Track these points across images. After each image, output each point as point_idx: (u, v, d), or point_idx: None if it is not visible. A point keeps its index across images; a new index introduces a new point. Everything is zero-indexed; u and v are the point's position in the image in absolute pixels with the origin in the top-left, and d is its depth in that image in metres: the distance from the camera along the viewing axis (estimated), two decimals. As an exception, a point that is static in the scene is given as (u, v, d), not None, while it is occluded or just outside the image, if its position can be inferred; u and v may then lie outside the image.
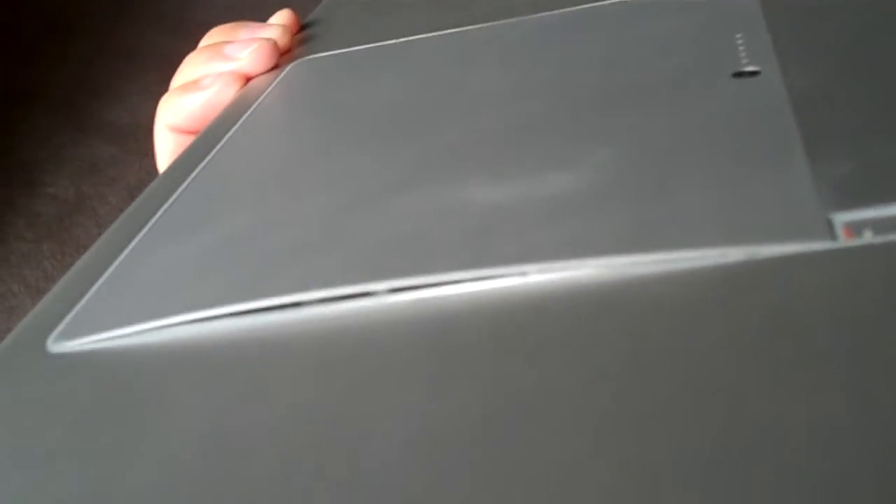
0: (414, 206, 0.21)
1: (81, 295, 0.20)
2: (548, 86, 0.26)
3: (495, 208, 0.20)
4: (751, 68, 0.23)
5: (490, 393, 0.14)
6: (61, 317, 0.20)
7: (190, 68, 0.35)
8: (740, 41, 0.25)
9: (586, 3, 0.32)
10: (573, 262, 0.17)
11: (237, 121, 0.30)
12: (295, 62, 0.35)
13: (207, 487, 0.14)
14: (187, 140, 0.32)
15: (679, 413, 0.13)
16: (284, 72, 0.34)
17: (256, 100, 0.31)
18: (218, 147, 0.28)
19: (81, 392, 0.17)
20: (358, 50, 0.34)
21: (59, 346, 0.19)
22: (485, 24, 0.33)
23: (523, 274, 0.17)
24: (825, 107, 0.20)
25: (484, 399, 0.14)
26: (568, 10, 0.32)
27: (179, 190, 0.25)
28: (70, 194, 1.33)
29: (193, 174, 0.26)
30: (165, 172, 0.28)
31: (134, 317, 0.19)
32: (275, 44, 0.34)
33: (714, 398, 0.13)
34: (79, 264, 0.22)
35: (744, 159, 0.19)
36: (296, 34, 0.38)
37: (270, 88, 0.32)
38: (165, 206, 0.25)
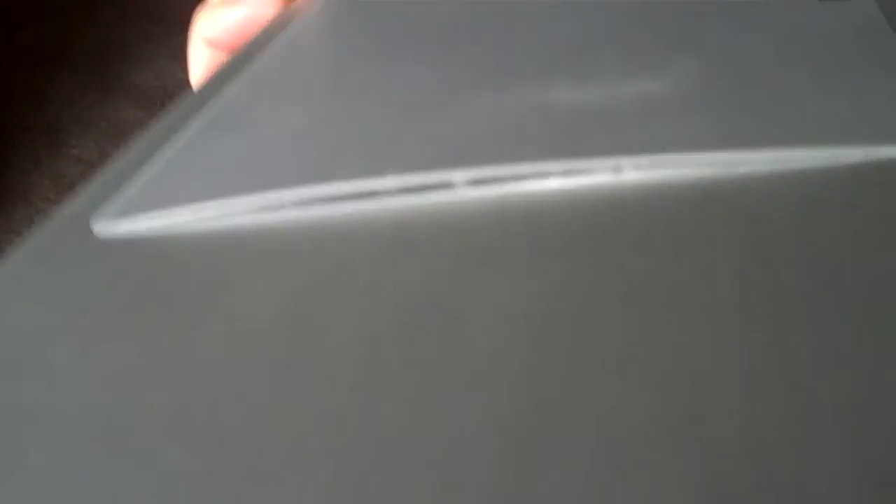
0: (491, 105, 0.20)
1: (130, 176, 0.19)
2: (624, 5, 0.25)
3: (581, 107, 0.18)
4: None
5: (593, 279, 0.13)
6: (107, 197, 0.18)
7: None
8: None
9: None
10: (673, 157, 0.16)
11: (284, 31, 0.29)
12: None
13: (286, 363, 0.13)
14: (224, 56, 0.31)
15: (810, 305, 0.12)
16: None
17: (304, 12, 0.30)
18: (267, 52, 0.27)
19: (134, 273, 0.16)
20: None
21: (108, 225, 0.17)
22: None
23: (618, 169, 0.16)
24: None
25: (586, 284, 0.13)
26: None
27: (228, 88, 0.24)
28: (94, 156, 1.33)
29: (239, 78, 0.25)
30: (214, 72, 0.26)
31: (189, 196, 0.17)
32: None
33: (848, 294, 0.12)
34: (128, 147, 0.21)
35: (850, 66, 0.18)
36: None
37: (319, 3, 0.31)
38: (217, 97, 0.23)
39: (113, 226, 0.17)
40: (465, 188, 0.16)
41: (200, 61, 0.33)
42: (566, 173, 0.16)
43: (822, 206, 0.14)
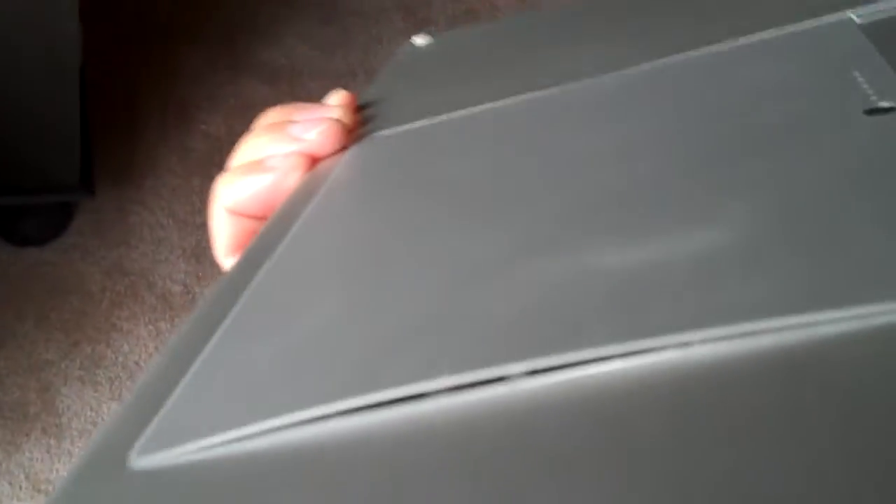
0: (536, 277, 0.18)
1: (162, 402, 0.18)
2: (657, 141, 0.24)
3: (634, 273, 0.17)
4: (884, 104, 0.21)
5: (679, 485, 0.12)
6: (142, 428, 0.18)
7: (251, 149, 0.32)
8: (860, 78, 0.23)
9: (664, 57, 0.29)
10: (747, 326, 0.14)
11: (310, 203, 0.28)
12: (363, 139, 0.33)
13: None
14: (249, 224, 0.31)
15: None
16: (353, 150, 0.32)
17: (328, 180, 0.29)
18: (294, 231, 0.26)
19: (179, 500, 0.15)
20: (429, 123, 0.32)
21: (143, 460, 0.17)
22: (562, 86, 0.30)
23: (685, 345, 0.14)
24: None
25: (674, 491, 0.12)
26: (652, 63, 0.29)
27: (257, 279, 0.23)
28: (222, 132, 1.35)
29: (270, 262, 0.24)
30: (238, 263, 0.26)
31: (224, 422, 0.17)
32: (342, 123, 0.32)
33: None
34: (156, 367, 0.20)
35: None
36: (355, 113, 0.36)
37: (342, 167, 0.30)
38: (245, 297, 0.22)
39: (148, 458, 0.17)
40: (522, 380, 0.15)
41: (225, 232, 0.32)
42: (629, 354, 0.15)
43: None
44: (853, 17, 0.27)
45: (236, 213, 0.32)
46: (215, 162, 1.30)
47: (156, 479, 0.16)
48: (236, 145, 0.33)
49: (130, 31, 1.45)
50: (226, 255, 0.32)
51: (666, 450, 0.13)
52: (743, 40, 0.29)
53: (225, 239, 0.32)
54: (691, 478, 0.12)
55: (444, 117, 0.32)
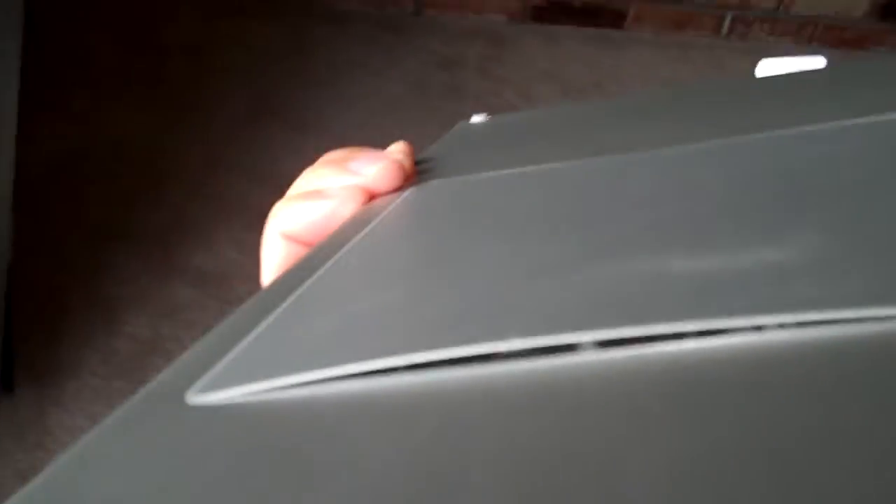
0: (608, 273, 0.18)
1: (226, 351, 0.18)
2: (720, 192, 0.23)
3: (706, 273, 0.17)
4: None
5: (748, 436, 0.11)
6: (203, 371, 0.17)
7: (311, 179, 0.33)
8: None
9: (725, 137, 0.29)
10: (826, 314, 0.14)
11: (367, 225, 0.27)
12: (421, 182, 0.33)
13: None
14: (301, 251, 0.31)
15: None
16: (411, 189, 0.32)
17: (386, 210, 0.29)
18: (354, 240, 0.26)
19: (226, 445, 0.15)
20: (490, 175, 0.32)
21: (201, 397, 0.16)
22: (623, 155, 0.30)
23: (760, 329, 0.14)
24: None
25: (745, 440, 0.11)
26: (715, 141, 0.29)
27: (321, 271, 0.23)
28: (147, 335, 1.36)
29: (333, 260, 0.24)
30: (303, 258, 0.26)
31: (289, 368, 0.16)
32: (401, 164, 0.32)
33: None
34: (219, 328, 0.20)
35: None
36: (414, 164, 0.36)
37: (398, 202, 0.30)
38: (310, 281, 0.22)
39: (207, 396, 0.16)
40: (592, 351, 0.15)
41: (276, 255, 0.32)
42: (703, 334, 0.14)
43: None
44: None
45: (290, 238, 0.31)
46: (139, 365, 1.32)
47: (212, 414, 0.16)
48: (298, 178, 0.33)
49: (61, 229, 1.48)
50: None
51: (736, 425, 0.12)
52: (807, 128, 0.28)
53: (276, 264, 0.32)
54: (762, 454, 0.11)
55: (503, 171, 0.31)
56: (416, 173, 0.35)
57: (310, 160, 0.34)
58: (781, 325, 0.14)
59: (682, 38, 2.11)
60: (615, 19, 2.11)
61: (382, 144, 0.35)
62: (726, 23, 2.18)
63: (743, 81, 0.45)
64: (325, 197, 0.31)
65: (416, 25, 1.94)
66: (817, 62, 0.47)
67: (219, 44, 1.83)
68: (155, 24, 1.86)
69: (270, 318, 0.20)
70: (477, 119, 0.50)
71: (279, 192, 0.33)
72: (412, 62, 1.84)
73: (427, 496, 0.12)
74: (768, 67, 0.49)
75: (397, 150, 0.35)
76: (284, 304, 0.21)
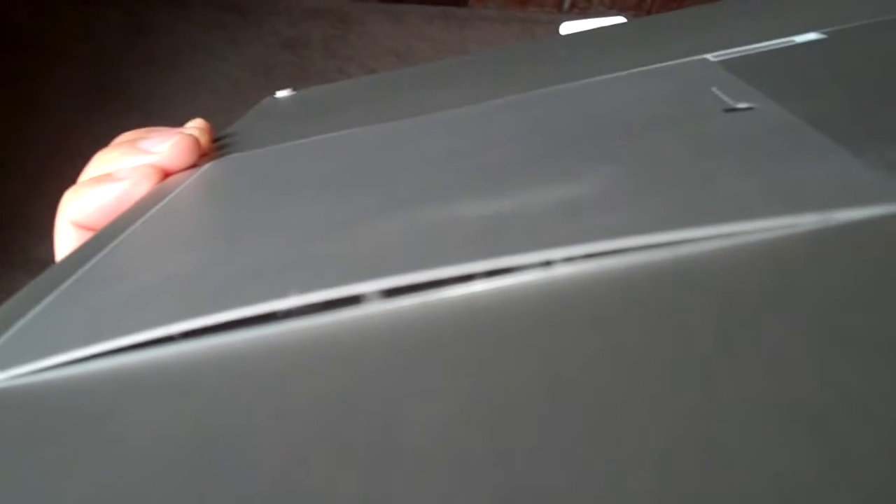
0: (395, 225, 0.18)
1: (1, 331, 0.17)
2: (519, 137, 0.23)
3: (494, 216, 0.17)
4: (742, 105, 0.21)
5: (546, 364, 0.12)
6: None
7: (101, 163, 0.31)
8: (718, 91, 0.23)
9: (523, 92, 0.30)
10: (612, 244, 0.14)
11: (161, 201, 0.26)
12: (217, 157, 0.32)
13: (189, 485, 0.11)
14: None
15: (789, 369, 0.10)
16: (206, 166, 0.31)
17: (178, 187, 0.28)
18: (145, 217, 0.25)
19: (7, 421, 0.14)
20: (287, 145, 0.31)
21: None
22: (422, 116, 0.30)
23: (547, 264, 0.14)
24: (839, 122, 0.18)
25: (542, 368, 0.12)
26: (514, 96, 0.29)
27: (110, 247, 0.22)
28: (-9, 329, 1.34)
29: (123, 236, 0.23)
30: (86, 242, 0.24)
31: (63, 347, 0.15)
32: (195, 139, 0.31)
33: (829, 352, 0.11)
34: None
35: (779, 152, 0.17)
36: (212, 140, 0.35)
37: (193, 177, 0.29)
38: (97, 258, 0.21)
39: None
40: (376, 302, 0.14)
41: (68, 245, 0.30)
42: (491, 274, 0.14)
43: (784, 275, 0.13)
44: (708, 57, 0.28)
45: (82, 226, 0.30)
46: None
47: None
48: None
49: None
50: None
51: (520, 359, 0.12)
52: (603, 77, 0.29)
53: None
54: (557, 385, 0.11)
55: (300, 141, 0.31)
56: (216, 149, 0.34)
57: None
58: (569, 259, 0.14)
59: (525, 14, 2.18)
60: (458, -3, 2.15)
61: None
62: (567, -2, 2.26)
63: (545, 42, 0.46)
64: (115, 179, 0.30)
65: (259, 7, 1.94)
66: (618, 20, 0.48)
67: (55, 31, 1.79)
68: (-14, 12, 1.81)
69: (49, 298, 0.19)
70: (282, 94, 0.49)
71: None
72: (257, 44, 1.84)
73: (200, 463, 0.11)
74: (571, 27, 0.51)
75: (192, 125, 0.34)
76: (66, 283, 0.20)
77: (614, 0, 2.29)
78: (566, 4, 2.26)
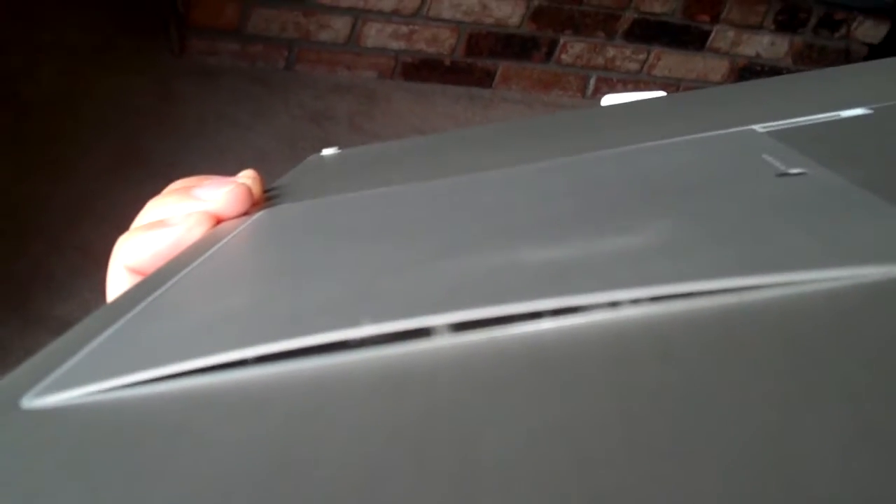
0: (459, 266, 0.18)
1: (64, 360, 0.18)
2: (573, 198, 0.24)
3: (559, 261, 0.17)
4: (794, 171, 0.22)
5: (618, 391, 0.12)
6: (40, 377, 0.17)
7: (155, 210, 0.32)
8: (769, 158, 0.24)
9: (586, 152, 0.31)
10: (681, 287, 0.14)
11: (216, 245, 0.27)
12: (269, 206, 0.33)
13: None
14: None
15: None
16: (259, 213, 0.32)
17: (231, 233, 0.29)
18: (204, 257, 0.26)
19: (60, 443, 0.14)
20: (339, 197, 0.32)
21: (35, 401, 0.16)
22: (478, 173, 0.31)
23: (614, 305, 0.15)
24: (890, 187, 0.19)
25: (612, 397, 0.12)
26: (567, 158, 0.30)
27: (171, 282, 0.23)
28: (7, 386, 1.35)
29: (181, 274, 0.24)
30: (143, 280, 0.25)
31: (129, 368, 0.16)
32: (249, 188, 0.32)
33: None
34: (58, 341, 0.20)
35: (836, 212, 0.18)
36: (263, 191, 0.36)
37: (246, 224, 0.30)
38: (158, 292, 0.22)
39: (43, 399, 0.16)
40: (446, 335, 0.15)
41: (121, 290, 0.29)
42: (558, 314, 0.14)
43: (855, 317, 0.13)
44: (755, 128, 0.28)
45: (136, 271, 0.30)
46: None
47: (45, 416, 0.15)
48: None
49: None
50: None
51: (591, 394, 0.12)
52: (651, 143, 0.29)
53: None
54: (627, 428, 0.11)
55: (352, 193, 0.32)
56: (265, 199, 0.35)
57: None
58: (635, 301, 0.14)
59: (549, 98, 2.24)
60: (483, 78, 2.22)
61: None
62: (591, 83, 2.32)
63: (589, 111, 0.48)
64: (170, 225, 0.30)
65: (287, 80, 2.00)
66: (659, 94, 0.49)
67: (82, 98, 1.84)
68: (13, 78, 1.87)
69: (113, 327, 0.19)
70: (328, 151, 0.50)
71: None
72: (283, 116, 1.89)
73: (274, 483, 0.11)
74: (613, 99, 0.51)
75: (245, 175, 0.35)
76: (128, 315, 0.20)
77: (637, 87, 2.35)
78: (589, 89, 2.32)
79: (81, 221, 1.61)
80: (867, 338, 0.12)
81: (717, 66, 2.42)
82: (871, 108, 0.29)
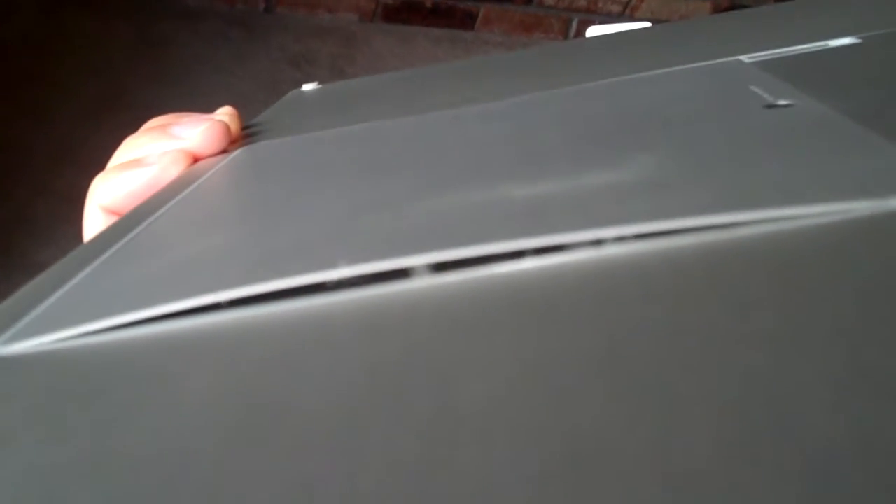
0: (441, 203, 0.18)
1: (34, 304, 0.18)
2: (560, 125, 0.24)
3: (543, 196, 0.17)
4: (782, 102, 0.22)
5: (601, 327, 0.12)
6: (12, 322, 0.17)
7: (131, 148, 0.31)
8: (757, 89, 0.24)
9: (572, 85, 0.30)
10: (666, 223, 0.14)
11: (189, 186, 0.27)
12: (247, 143, 0.32)
13: (239, 448, 0.11)
14: None
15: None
16: (236, 152, 0.31)
17: (209, 171, 0.28)
18: (180, 196, 0.25)
19: (29, 390, 0.14)
20: (318, 134, 0.32)
21: (7, 348, 0.16)
22: (462, 106, 0.30)
23: (598, 243, 0.14)
24: (879, 119, 0.19)
25: (596, 333, 0.12)
26: (553, 91, 0.30)
27: (145, 223, 0.23)
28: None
29: (158, 213, 0.23)
30: (118, 220, 0.24)
31: (102, 313, 0.16)
32: (226, 125, 0.32)
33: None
34: (32, 284, 0.19)
35: (825, 144, 0.18)
36: (241, 128, 0.36)
37: (224, 162, 0.29)
38: (132, 234, 0.22)
39: (13, 346, 0.16)
40: (425, 276, 0.15)
41: (97, 230, 0.30)
42: (541, 252, 0.14)
43: (847, 252, 0.13)
44: (742, 58, 0.28)
45: (111, 210, 0.30)
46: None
47: (16, 362, 0.15)
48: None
49: None
50: None
51: (574, 331, 0.12)
52: (637, 75, 0.29)
53: None
54: (609, 369, 0.11)
55: (331, 130, 0.31)
56: (244, 136, 0.35)
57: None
58: (620, 239, 0.14)
59: (531, 40, 2.24)
60: (465, 20, 2.21)
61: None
62: (573, 25, 2.32)
63: (574, 42, 0.48)
64: (145, 164, 0.30)
65: (267, 23, 1.99)
66: (644, 25, 0.49)
67: (62, 39, 1.83)
68: (-5, 17, 1.86)
69: (85, 271, 0.19)
70: (309, 87, 0.50)
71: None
72: (263, 60, 1.90)
73: (246, 429, 0.11)
74: (598, 31, 0.52)
75: (222, 112, 0.34)
76: (101, 258, 0.20)
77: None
78: (572, 31, 2.32)
79: (64, 166, 1.61)
80: (858, 274, 0.12)
81: (700, 8, 2.42)
82: (860, 38, 0.28)
